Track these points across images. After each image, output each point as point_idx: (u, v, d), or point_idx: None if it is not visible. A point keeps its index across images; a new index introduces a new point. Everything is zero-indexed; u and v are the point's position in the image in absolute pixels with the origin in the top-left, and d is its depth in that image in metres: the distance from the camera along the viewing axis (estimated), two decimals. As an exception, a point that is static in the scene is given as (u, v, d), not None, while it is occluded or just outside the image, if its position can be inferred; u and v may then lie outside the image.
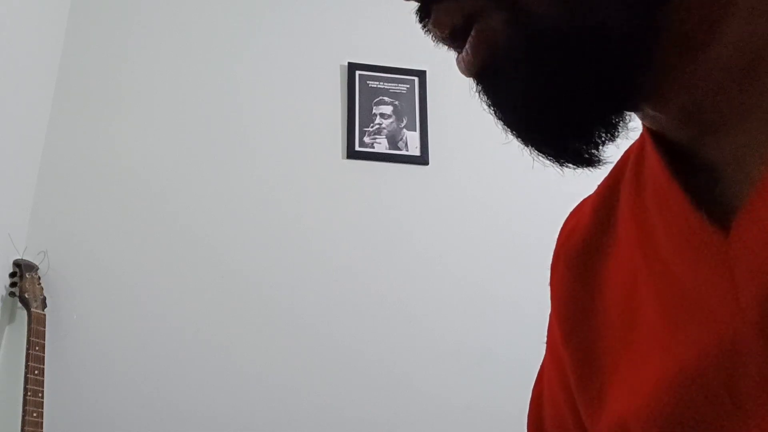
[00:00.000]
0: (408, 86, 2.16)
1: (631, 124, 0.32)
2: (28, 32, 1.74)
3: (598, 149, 0.31)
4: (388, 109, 2.12)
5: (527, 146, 0.32)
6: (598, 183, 0.43)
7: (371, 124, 2.09)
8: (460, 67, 0.33)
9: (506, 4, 0.29)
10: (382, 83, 2.14)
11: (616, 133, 0.31)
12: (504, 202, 2.05)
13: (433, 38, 0.33)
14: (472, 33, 0.31)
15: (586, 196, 0.46)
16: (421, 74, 2.17)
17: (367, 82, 2.13)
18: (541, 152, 0.32)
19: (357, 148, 2.04)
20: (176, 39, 2.06)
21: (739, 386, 0.26)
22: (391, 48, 2.15)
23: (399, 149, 2.08)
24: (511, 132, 0.32)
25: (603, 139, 0.31)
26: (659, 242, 0.32)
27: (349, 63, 2.14)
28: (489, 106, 0.33)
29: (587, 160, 0.32)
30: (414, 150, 2.09)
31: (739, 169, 0.29)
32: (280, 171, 1.98)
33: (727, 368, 0.27)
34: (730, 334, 0.27)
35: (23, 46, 1.70)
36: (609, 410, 0.35)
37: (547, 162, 0.32)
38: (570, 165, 0.32)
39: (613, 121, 0.30)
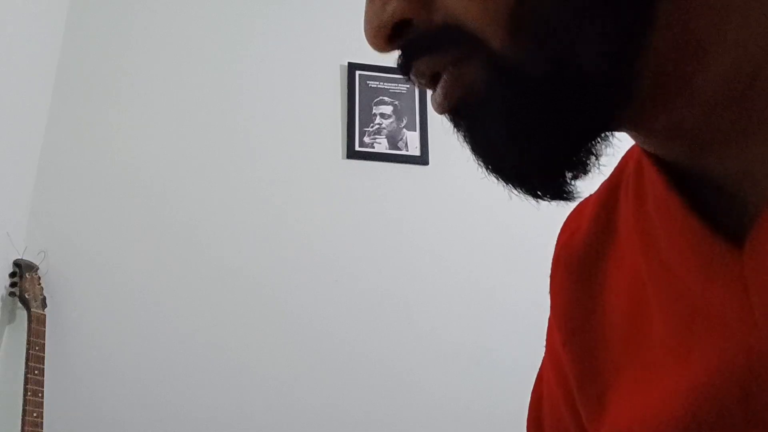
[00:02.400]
0: (408, 86, 2.15)
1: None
2: (27, 31, 1.74)
3: (567, 185, 0.31)
4: (388, 109, 2.11)
5: (498, 180, 0.33)
6: (599, 183, 0.43)
7: (371, 124, 2.08)
8: (433, 105, 0.34)
9: (482, 53, 0.29)
10: (382, 83, 2.14)
11: (588, 169, 0.31)
12: (504, 202, 2.04)
13: (411, 84, 0.35)
14: (445, 76, 0.31)
15: (585, 197, 0.45)
16: (421, 74, 2.17)
17: (367, 82, 2.13)
18: (513, 187, 0.32)
19: (357, 148, 2.04)
20: (176, 38, 2.06)
21: (754, 403, 0.26)
22: (391, 48, 2.14)
23: (399, 149, 2.08)
24: (485, 168, 0.33)
25: (574, 176, 0.31)
26: (665, 254, 0.32)
27: (349, 63, 2.14)
28: (463, 140, 0.33)
29: (558, 195, 0.32)
30: (414, 150, 2.09)
31: (748, 186, 0.29)
32: (280, 171, 1.98)
33: (741, 385, 0.27)
34: (744, 351, 0.27)
35: (22, 45, 1.70)
36: (613, 415, 0.35)
37: (520, 195, 0.33)
38: (542, 199, 0.32)
39: (584, 160, 0.30)
